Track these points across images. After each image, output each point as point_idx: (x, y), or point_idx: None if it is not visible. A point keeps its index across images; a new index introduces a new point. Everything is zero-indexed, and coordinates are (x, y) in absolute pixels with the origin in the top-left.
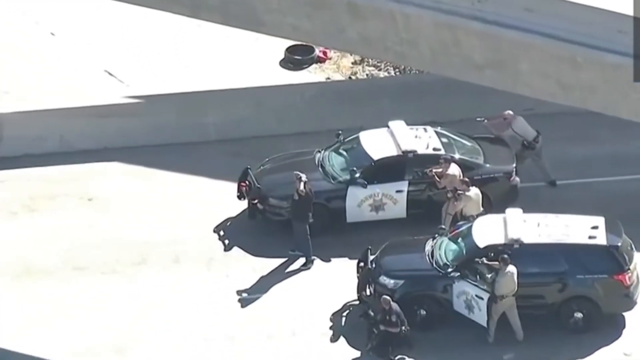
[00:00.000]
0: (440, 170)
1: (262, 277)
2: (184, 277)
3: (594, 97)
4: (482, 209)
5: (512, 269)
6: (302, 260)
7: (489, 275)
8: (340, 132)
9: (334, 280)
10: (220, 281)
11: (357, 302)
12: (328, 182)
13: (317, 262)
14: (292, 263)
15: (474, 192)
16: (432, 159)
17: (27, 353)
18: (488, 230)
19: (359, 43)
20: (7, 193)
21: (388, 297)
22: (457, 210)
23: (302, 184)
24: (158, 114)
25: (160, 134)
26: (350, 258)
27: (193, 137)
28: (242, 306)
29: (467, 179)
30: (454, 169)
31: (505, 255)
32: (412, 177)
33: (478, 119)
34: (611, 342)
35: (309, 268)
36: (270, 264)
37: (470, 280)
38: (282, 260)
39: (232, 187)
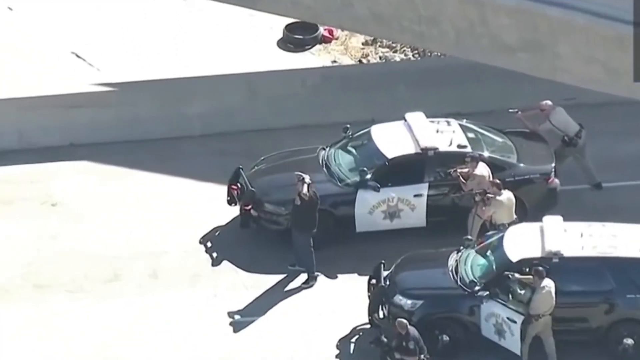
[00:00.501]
0: (466, 170)
1: (256, 297)
2: (163, 297)
3: None
4: (515, 216)
5: (548, 283)
6: (303, 277)
7: (523, 293)
8: (348, 125)
9: (341, 301)
10: (207, 301)
11: (368, 326)
12: (334, 184)
13: (321, 278)
14: (291, 280)
15: (506, 196)
16: (457, 158)
17: None
18: (522, 242)
19: (370, 21)
20: None
21: (404, 320)
22: (486, 217)
23: (305, 186)
24: (134, 104)
25: (136, 128)
26: (359, 274)
27: (175, 132)
28: (234, 331)
29: (497, 181)
30: (482, 169)
31: (540, 268)
32: (433, 179)
33: (510, 110)
34: None
35: (311, 286)
36: (266, 281)
37: (501, 301)
38: (280, 276)
39: (221, 191)
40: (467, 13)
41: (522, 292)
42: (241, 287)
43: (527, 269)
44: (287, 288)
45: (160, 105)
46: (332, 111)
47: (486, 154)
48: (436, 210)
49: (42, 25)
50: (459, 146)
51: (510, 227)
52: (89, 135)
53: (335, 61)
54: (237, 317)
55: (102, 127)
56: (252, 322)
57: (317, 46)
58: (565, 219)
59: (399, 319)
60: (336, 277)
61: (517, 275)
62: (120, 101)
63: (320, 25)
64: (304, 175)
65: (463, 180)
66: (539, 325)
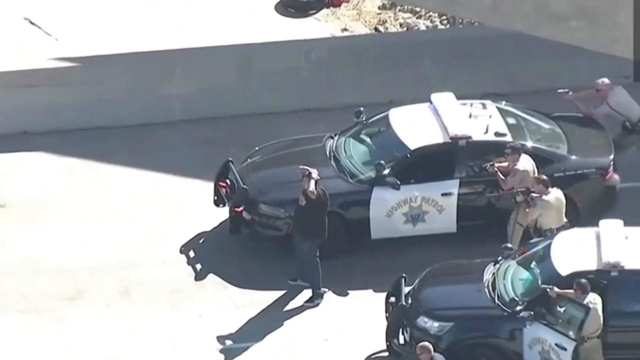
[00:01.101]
0: (505, 164)
1: (250, 319)
2: (136, 319)
3: None
4: (565, 219)
5: (594, 298)
6: (307, 294)
7: (574, 314)
8: (361, 109)
9: (352, 323)
10: (190, 324)
11: (386, 354)
12: (344, 181)
13: (329, 296)
14: (292, 298)
15: (554, 195)
16: (494, 149)
17: None
18: (574, 251)
19: None
20: None
21: (429, 345)
22: (530, 222)
23: (312, 182)
24: (100, 83)
25: (103, 112)
26: (375, 290)
27: (151, 117)
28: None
29: (544, 177)
30: (525, 163)
31: (583, 280)
32: (465, 175)
33: (559, 90)
34: None
35: (317, 305)
36: (262, 299)
37: (548, 323)
38: (279, 293)
39: (206, 188)
40: None
41: (573, 312)
42: (231, 307)
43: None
44: (287, 307)
45: (132, 84)
46: (342, 91)
47: (530, 143)
48: (469, 212)
49: None
50: (497, 134)
51: (559, 234)
52: (45, 121)
53: (345, 29)
54: (227, 343)
55: (62, 111)
56: (245, 349)
57: (324, 11)
58: (626, 223)
59: (422, 344)
60: (347, 294)
61: (565, 291)
62: (84, 79)
63: None
64: (310, 169)
65: (502, 177)
66: (585, 350)
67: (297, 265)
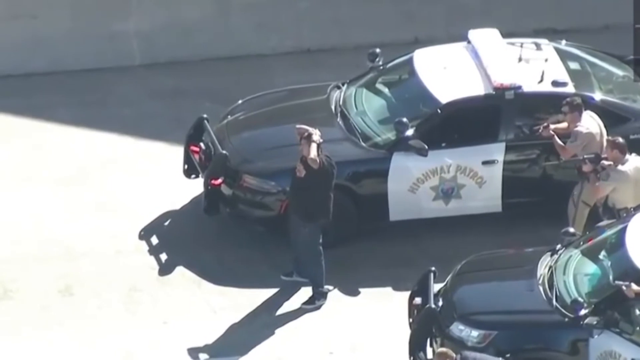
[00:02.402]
0: (564, 125)
1: (231, 326)
2: (80, 325)
3: None
4: None
5: None
6: (306, 293)
7: None
8: (377, 50)
9: (365, 331)
10: (151, 332)
11: None
12: (355, 145)
13: (334, 295)
14: (286, 299)
15: (634, 164)
16: (552, 102)
17: None
18: None
19: None
20: None
21: (448, 350)
22: (600, 198)
23: (313, 147)
24: (36, 16)
25: (40, 54)
26: (395, 289)
27: (102, 60)
28: None
29: (620, 140)
30: (589, 123)
31: None
32: (514, 137)
33: (638, 25)
34: None
35: (318, 307)
36: (246, 299)
37: (622, 332)
38: (268, 292)
39: (174, 155)
40: None
41: None
42: (207, 310)
43: None
44: (280, 311)
45: (77, 17)
46: (351, 27)
47: (598, 96)
48: (518, 186)
49: None
50: (555, 83)
51: (638, 214)
52: None
53: None
54: (201, 357)
55: None
56: None
57: None
58: None
59: (440, 349)
60: (357, 293)
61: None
62: (13, 12)
63: None
64: (310, 129)
65: (559, 141)
66: None
67: (293, 256)
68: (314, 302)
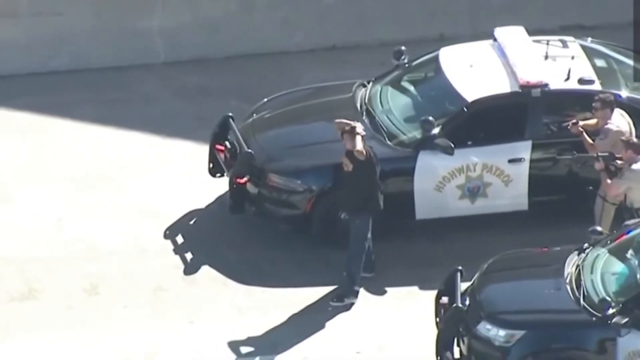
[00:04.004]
0: (593, 122)
1: (256, 326)
2: (106, 325)
3: None
4: None
5: None
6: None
7: None
8: (402, 48)
9: (392, 330)
10: (177, 332)
11: None
12: (380, 143)
13: (361, 295)
14: (312, 298)
15: None
16: (579, 100)
17: None
18: None
19: None
20: None
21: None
22: (614, 196)
23: (358, 139)
24: (59, 13)
25: (62, 52)
26: (421, 288)
27: (125, 58)
28: None
29: (635, 140)
30: (619, 121)
31: None
32: (540, 135)
33: None
34: None
35: (348, 306)
36: (272, 300)
37: None
38: (295, 292)
39: (199, 153)
40: None
41: None
42: (233, 310)
43: None
44: (306, 310)
45: (101, 15)
46: (375, 24)
47: (625, 93)
48: (545, 184)
49: None
50: (582, 81)
51: None
52: None
53: None
54: (227, 356)
55: (8, 50)
56: None
57: None
58: None
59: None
60: (384, 292)
61: None
62: (37, 8)
63: None
64: (352, 122)
65: (589, 139)
66: None
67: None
68: (343, 300)
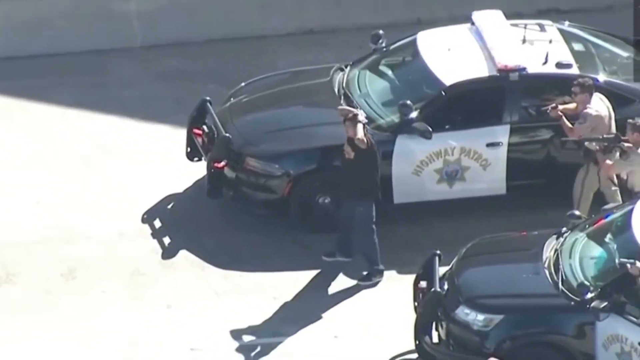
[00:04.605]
0: (572, 105)
1: (234, 310)
2: (83, 309)
3: None
4: None
5: None
6: (309, 277)
7: None
8: (380, 32)
9: (369, 316)
10: (155, 316)
11: (415, 356)
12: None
13: (336, 281)
14: (290, 282)
15: None
16: (556, 84)
17: None
18: None
19: None
20: None
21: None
22: (610, 177)
23: (359, 127)
24: None
25: (41, 35)
26: (399, 272)
27: (102, 42)
28: None
29: (637, 121)
30: (598, 105)
31: None
32: (518, 119)
33: None
34: None
35: (375, 284)
36: (250, 283)
37: (629, 316)
38: (272, 276)
39: (177, 137)
40: None
41: None
42: (210, 294)
43: None
44: (284, 295)
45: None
46: (353, 8)
47: (602, 77)
48: (522, 168)
49: None
50: (560, 65)
51: None
52: None
53: None
54: (204, 340)
55: None
56: (227, 348)
57: None
58: None
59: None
60: (362, 276)
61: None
62: None
63: None
64: (354, 110)
65: (568, 123)
66: None
67: (340, 236)
68: (371, 279)
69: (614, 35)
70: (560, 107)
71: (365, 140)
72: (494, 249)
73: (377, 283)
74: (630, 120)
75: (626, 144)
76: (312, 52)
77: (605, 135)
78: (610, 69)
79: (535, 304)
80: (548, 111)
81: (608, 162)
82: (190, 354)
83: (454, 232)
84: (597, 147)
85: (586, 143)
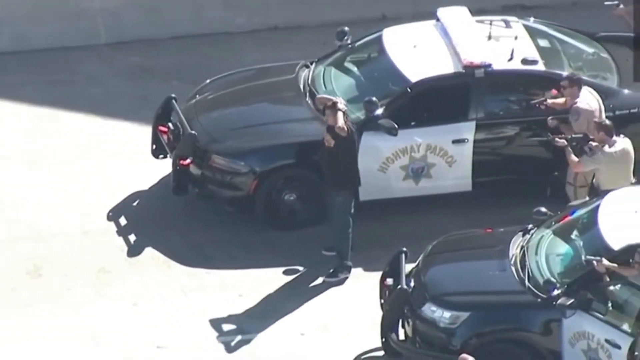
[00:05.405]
0: (561, 100)
1: (201, 308)
2: (49, 306)
3: None
4: (633, 178)
5: None
6: (275, 273)
7: (632, 298)
8: (345, 29)
9: (336, 313)
10: (121, 313)
11: (381, 353)
12: (323, 124)
13: (302, 277)
14: (256, 279)
15: (619, 147)
16: (522, 80)
17: None
18: (628, 216)
19: None
20: None
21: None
22: (579, 175)
23: (340, 115)
24: None
25: (3, 32)
26: (366, 270)
27: (66, 39)
28: None
29: (608, 122)
30: (589, 98)
31: None
32: (484, 116)
33: (606, 2)
34: None
35: (342, 281)
36: (216, 280)
37: (595, 312)
38: (239, 273)
39: (142, 134)
40: None
41: (629, 296)
42: (177, 291)
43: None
44: (250, 292)
45: None
46: (318, 4)
47: (567, 73)
48: (489, 165)
49: None
50: (525, 61)
51: (610, 194)
52: None
53: None
54: (170, 338)
55: None
56: (193, 346)
57: None
58: None
59: (463, 355)
60: (329, 273)
61: (618, 266)
62: None
63: None
64: (333, 98)
65: (574, 157)
66: None
67: (332, 226)
68: (337, 275)
69: (579, 31)
70: (549, 101)
71: (345, 128)
72: (461, 246)
73: (344, 280)
74: (595, 120)
75: (593, 143)
76: (277, 49)
77: (574, 135)
78: (576, 65)
79: (502, 301)
80: (537, 107)
81: (574, 158)
82: (156, 351)
83: (420, 229)
84: (565, 144)
85: (555, 140)
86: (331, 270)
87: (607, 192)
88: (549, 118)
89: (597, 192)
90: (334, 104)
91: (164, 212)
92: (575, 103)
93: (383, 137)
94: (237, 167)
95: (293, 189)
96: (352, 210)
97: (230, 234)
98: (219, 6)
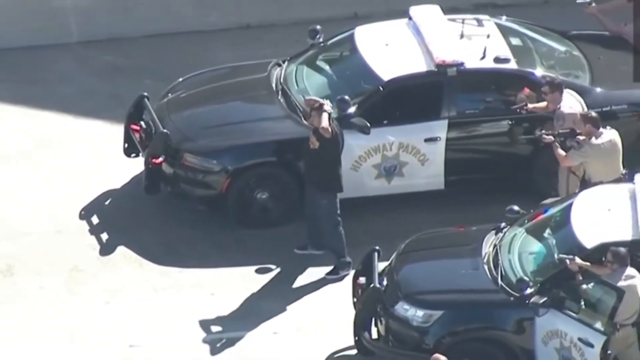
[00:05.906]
0: (543, 104)
1: (173, 306)
2: (22, 305)
3: None
4: (623, 170)
5: (633, 273)
6: (249, 272)
7: (604, 297)
8: (317, 27)
9: (309, 312)
10: (94, 312)
11: (354, 352)
12: (296, 123)
13: (278, 277)
14: (229, 277)
15: (606, 138)
16: (494, 79)
17: None
18: (601, 215)
19: None
20: None
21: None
22: (587, 171)
23: (324, 116)
24: None
25: None
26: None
27: (38, 37)
28: None
29: (594, 114)
30: (571, 102)
31: (622, 250)
32: (456, 114)
33: (579, 0)
34: None
35: (342, 277)
36: (189, 280)
37: (568, 311)
38: (211, 272)
39: (114, 133)
40: None
41: (602, 294)
42: (149, 290)
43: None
44: (223, 291)
45: None
46: (290, 2)
47: (540, 72)
48: (461, 163)
49: None
50: (498, 60)
51: (583, 191)
52: None
53: None
54: (142, 336)
55: None
56: (165, 343)
57: None
58: None
59: (436, 355)
60: (302, 271)
61: (591, 264)
62: None
63: None
64: (320, 100)
65: (562, 152)
66: (618, 341)
67: (308, 228)
68: (338, 272)
69: (551, 29)
70: (530, 106)
71: (329, 129)
72: (433, 244)
73: (344, 277)
74: (581, 112)
75: (580, 137)
76: (249, 47)
77: (561, 131)
78: (548, 64)
79: (475, 299)
80: (518, 111)
81: (561, 152)
82: (129, 350)
83: (392, 228)
84: (552, 140)
85: (542, 137)
86: (332, 268)
87: (579, 191)
88: (520, 106)
89: (587, 185)
90: (321, 105)
91: (136, 211)
92: (559, 108)
93: (355, 135)
94: (209, 165)
95: (265, 187)
96: (339, 210)
97: (202, 233)
98: (192, 4)
